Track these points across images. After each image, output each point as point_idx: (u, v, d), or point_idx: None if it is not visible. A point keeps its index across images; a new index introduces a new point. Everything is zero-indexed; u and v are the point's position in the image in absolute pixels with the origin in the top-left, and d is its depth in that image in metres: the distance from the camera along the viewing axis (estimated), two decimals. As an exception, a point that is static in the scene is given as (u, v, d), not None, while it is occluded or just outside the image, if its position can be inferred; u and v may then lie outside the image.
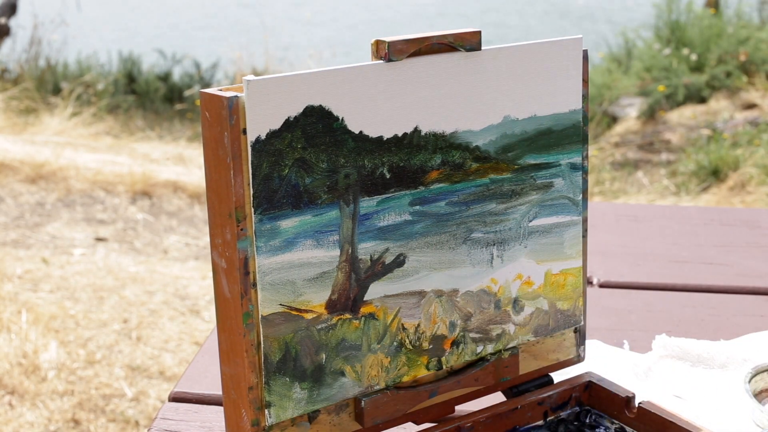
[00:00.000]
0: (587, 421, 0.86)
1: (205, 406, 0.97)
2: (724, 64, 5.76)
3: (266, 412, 0.73)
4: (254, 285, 0.71)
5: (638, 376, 0.99)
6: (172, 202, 4.59)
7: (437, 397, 0.83)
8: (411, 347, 0.80)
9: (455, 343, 0.82)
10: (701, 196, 4.68)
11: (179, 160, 5.29)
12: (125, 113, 6.53)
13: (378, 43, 0.74)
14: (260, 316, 0.71)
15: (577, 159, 0.86)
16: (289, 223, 0.71)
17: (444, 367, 0.82)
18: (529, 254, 0.85)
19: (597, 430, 0.85)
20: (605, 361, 1.01)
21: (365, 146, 0.74)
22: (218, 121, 0.68)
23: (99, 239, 4.12)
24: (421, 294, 0.79)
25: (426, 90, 0.76)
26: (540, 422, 0.86)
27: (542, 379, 0.89)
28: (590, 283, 1.25)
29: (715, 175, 4.80)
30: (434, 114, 0.77)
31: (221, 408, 0.76)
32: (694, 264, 1.30)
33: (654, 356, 1.01)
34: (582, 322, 0.90)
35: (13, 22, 7.37)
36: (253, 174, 0.69)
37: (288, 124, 0.70)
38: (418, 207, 0.78)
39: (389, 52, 0.74)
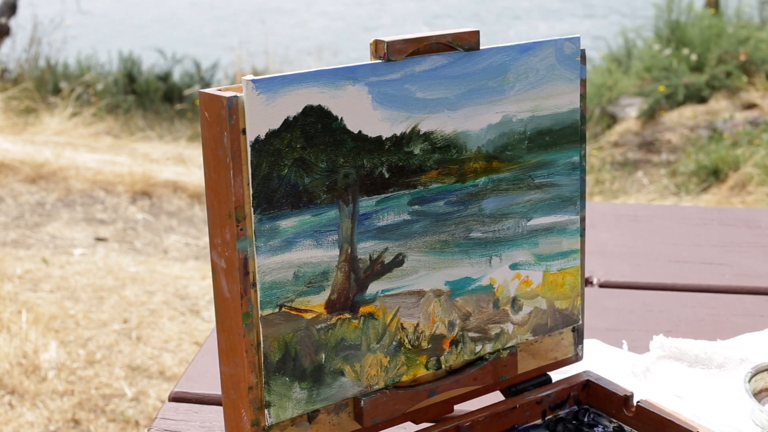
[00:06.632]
0: (585, 420, 0.86)
1: (205, 406, 0.97)
2: (724, 64, 5.76)
3: (266, 412, 0.73)
4: (254, 285, 0.71)
5: (637, 377, 0.99)
6: (172, 202, 4.60)
7: (436, 397, 0.83)
8: (410, 347, 0.80)
9: (454, 343, 0.82)
10: (701, 196, 4.69)
11: (179, 160, 5.29)
12: (125, 113, 6.53)
13: (377, 43, 0.75)
14: (260, 316, 0.72)
15: (575, 158, 0.86)
16: (288, 223, 0.72)
17: (443, 366, 0.82)
18: (528, 253, 0.85)
19: (595, 428, 0.85)
20: (604, 361, 1.01)
21: (364, 146, 0.74)
22: (217, 121, 0.69)
23: (99, 239, 4.12)
24: (420, 293, 0.79)
25: (424, 90, 0.76)
26: (538, 421, 0.86)
27: (541, 378, 0.89)
28: (590, 283, 1.25)
29: (715, 175, 4.80)
30: (433, 113, 0.77)
31: (221, 408, 0.76)
32: (694, 264, 1.30)
33: (652, 356, 1.01)
34: (580, 321, 0.90)
35: (13, 22, 7.37)
36: (252, 174, 0.69)
37: (287, 124, 0.70)
38: (417, 206, 0.78)
39: (388, 51, 0.74)
